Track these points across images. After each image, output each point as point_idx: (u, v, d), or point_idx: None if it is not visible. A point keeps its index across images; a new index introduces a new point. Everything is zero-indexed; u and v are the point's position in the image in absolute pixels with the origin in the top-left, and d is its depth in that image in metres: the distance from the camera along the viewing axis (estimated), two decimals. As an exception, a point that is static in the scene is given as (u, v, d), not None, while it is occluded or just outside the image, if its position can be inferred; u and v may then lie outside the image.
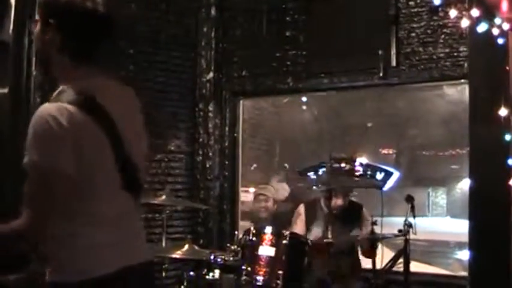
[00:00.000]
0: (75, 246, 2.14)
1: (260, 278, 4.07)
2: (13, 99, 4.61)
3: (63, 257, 2.16)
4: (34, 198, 2.11)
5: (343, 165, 4.53)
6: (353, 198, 5.33)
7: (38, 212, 2.10)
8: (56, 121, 2.05)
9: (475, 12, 4.34)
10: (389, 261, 4.49)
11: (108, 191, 2.20)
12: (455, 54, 5.05)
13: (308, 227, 5.08)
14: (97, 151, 2.15)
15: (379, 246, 4.58)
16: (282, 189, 5.82)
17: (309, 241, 4.37)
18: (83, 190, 2.14)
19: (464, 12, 4.66)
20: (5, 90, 4.62)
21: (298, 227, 5.10)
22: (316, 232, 4.89)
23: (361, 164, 4.66)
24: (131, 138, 2.25)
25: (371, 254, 4.46)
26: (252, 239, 4.24)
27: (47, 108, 2.10)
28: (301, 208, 5.25)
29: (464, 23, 4.55)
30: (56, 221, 2.13)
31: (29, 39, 4.64)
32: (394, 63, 5.27)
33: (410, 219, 4.32)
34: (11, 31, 4.64)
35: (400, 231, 4.33)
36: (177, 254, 4.45)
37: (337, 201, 4.91)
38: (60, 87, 2.21)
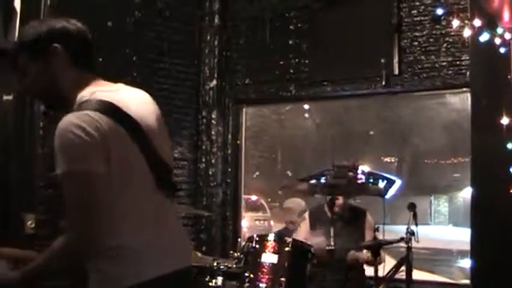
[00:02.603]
0: (121, 251, 2.14)
1: (263, 285, 4.06)
2: (18, 106, 4.64)
3: (108, 265, 2.15)
4: (77, 207, 2.08)
5: (345, 173, 4.54)
6: (356, 204, 5.35)
7: (85, 220, 2.06)
8: (80, 128, 2.06)
9: (477, 22, 4.37)
10: (392, 269, 4.50)
11: (144, 192, 2.21)
12: (457, 62, 5.07)
13: (312, 230, 5.09)
14: (125, 152, 2.16)
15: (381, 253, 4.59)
16: (298, 205, 5.76)
17: (312, 249, 4.38)
18: (120, 191, 2.14)
19: (466, 22, 4.68)
20: (10, 97, 4.64)
21: (302, 230, 5.12)
22: (318, 239, 4.89)
23: (363, 172, 4.67)
24: (157, 139, 2.28)
25: (373, 262, 4.47)
26: (254, 246, 4.24)
27: (68, 118, 2.12)
28: (307, 214, 5.28)
29: (467, 32, 4.57)
30: (102, 229, 2.11)
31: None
32: (396, 71, 5.29)
33: (413, 227, 4.33)
34: (16, 39, 4.67)
35: (402, 239, 4.34)
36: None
37: (339, 205, 4.94)
38: (78, 100, 2.23)
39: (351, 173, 4.60)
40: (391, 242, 4.48)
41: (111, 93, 2.23)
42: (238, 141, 6.27)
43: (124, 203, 2.14)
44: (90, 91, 2.23)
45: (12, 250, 2.42)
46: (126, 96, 2.27)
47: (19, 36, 2.35)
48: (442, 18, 5.11)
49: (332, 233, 4.44)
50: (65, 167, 2.05)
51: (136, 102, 2.30)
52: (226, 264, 4.36)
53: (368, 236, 4.90)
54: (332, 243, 4.41)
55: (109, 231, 2.10)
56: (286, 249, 4.18)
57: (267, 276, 4.09)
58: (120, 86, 2.35)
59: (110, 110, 2.16)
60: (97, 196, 2.06)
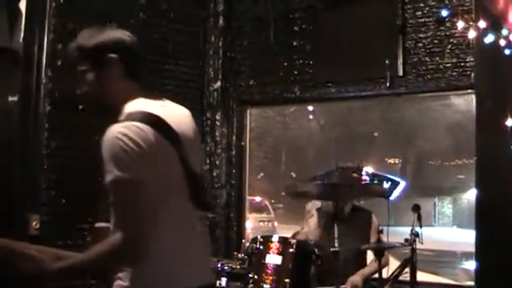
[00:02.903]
0: (158, 257, 2.20)
1: (267, 286, 4.06)
2: (22, 106, 4.65)
3: (144, 267, 2.19)
4: (126, 213, 2.13)
5: (349, 174, 4.54)
6: (361, 205, 5.34)
7: (133, 225, 2.11)
8: (129, 138, 2.14)
9: (482, 24, 4.36)
10: (396, 271, 4.50)
11: (181, 203, 2.32)
12: (462, 64, 5.06)
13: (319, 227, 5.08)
14: (168, 163, 2.26)
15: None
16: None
17: (316, 250, 4.37)
18: (164, 200, 2.22)
19: (471, 23, 4.68)
20: (15, 98, 4.66)
21: (310, 227, 5.08)
22: (316, 232, 4.87)
23: (367, 173, 4.67)
24: (194, 155, 2.38)
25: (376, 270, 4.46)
26: (259, 247, 4.24)
27: (117, 128, 2.19)
28: (314, 210, 5.24)
29: (471, 34, 4.57)
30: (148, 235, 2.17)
31: (38, 47, 4.69)
32: (401, 72, 5.28)
33: (417, 229, 4.32)
34: (21, 39, 4.68)
35: (406, 240, 4.33)
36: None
37: (345, 208, 4.94)
38: (126, 111, 2.32)
39: (355, 174, 4.60)
40: (395, 246, 4.48)
41: (157, 107, 2.33)
42: (243, 143, 6.27)
43: (166, 212, 2.23)
44: (138, 103, 2.34)
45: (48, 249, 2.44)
46: (169, 111, 2.37)
47: (79, 42, 2.41)
48: (447, 19, 5.10)
49: (336, 234, 4.43)
50: (114, 175, 2.12)
51: (179, 117, 2.42)
52: (230, 265, 4.36)
53: (373, 238, 4.90)
54: (336, 244, 4.41)
55: (153, 238, 2.16)
56: (291, 250, 4.18)
57: (271, 278, 4.09)
58: (165, 101, 2.46)
59: (156, 122, 2.25)
60: (144, 203, 2.13)
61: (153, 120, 2.24)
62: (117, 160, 2.12)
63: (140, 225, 2.11)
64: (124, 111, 2.32)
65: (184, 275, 2.27)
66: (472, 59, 4.94)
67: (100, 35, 2.39)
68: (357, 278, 4.75)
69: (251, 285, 4.09)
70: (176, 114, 2.41)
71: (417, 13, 5.29)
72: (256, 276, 4.12)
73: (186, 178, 2.31)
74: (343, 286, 4.59)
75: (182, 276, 2.26)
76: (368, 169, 4.83)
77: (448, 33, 5.14)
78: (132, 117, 2.23)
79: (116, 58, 2.37)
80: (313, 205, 5.48)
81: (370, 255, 4.85)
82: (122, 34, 2.44)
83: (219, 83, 6.12)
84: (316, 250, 4.31)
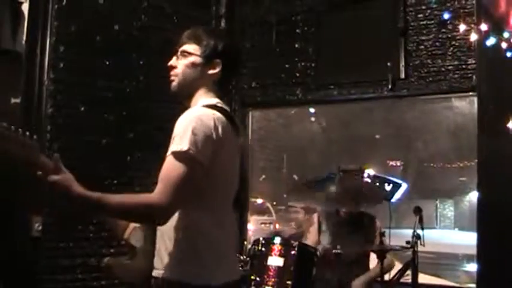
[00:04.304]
0: (201, 245, 2.35)
1: (269, 288, 4.08)
2: (25, 109, 4.66)
3: (188, 255, 2.34)
4: (171, 181, 2.24)
5: (351, 176, 4.55)
6: (363, 209, 5.34)
7: (176, 192, 2.22)
8: (203, 122, 2.31)
9: (484, 27, 4.37)
10: (397, 273, 4.50)
11: (226, 201, 2.45)
12: (463, 66, 5.07)
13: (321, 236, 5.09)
14: (230, 160, 2.43)
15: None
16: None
17: (318, 252, 4.38)
18: (211, 192, 2.36)
19: (472, 26, 4.69)
20: (18, 100, 4.67)
21: (312, 236, 5.11)
22: (324, 242, 4.89)
23: (369, 176, 4.67)
24: (247, 162, 2.51)
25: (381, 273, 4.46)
26: (261, 250, 4.25)
27: (197, 111, 2.38)
28: (315, 217, 5.26)
29: (473, 36, 4.58)
30: (193, 214, 2.34)
31: (41, 50, 4.70)
32: (402, 75, 5.29)
33: (419, 231, 4.32)
34: (24, 41, 4.70)
35: (408, 242, 4.33)
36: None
37: (347, 212, 4.94)
38: (202, 102, 2.48)
39: (356, 177, 4.60)
40: (397, 248, 4.48)
41: (229, 112, 2.49)
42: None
43: (211, 202, 2.36)
44: (216, 101, 2.50)
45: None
46: (235, 118, 2.53)
47: (198, 32, 2.59)
48: (449, 22, 5.11)
49: (339, 237, 4.44)
50: (178, 147, 2.26)
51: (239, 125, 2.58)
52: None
53: (375, 241, 4.90)
54: (339, 246, 4.41)
55: (190, 221, 2.34)
56: (292, 252, 4.19)
57: (273, 279, 4.10)
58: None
59: (232, 120, 2.45)
60: (189, 181, 2.25)
61: (229, 116, 2.43)
62: (186, 136, 2.26)
63: (175, 198, 2.22)
64: (198, 102, 2.49)
65: (225, 270, 2.41)
66: (473, 62, 4.94)
67: (220, 39, 2.57)
68: (360, 281, 4.76)
69: (253, 287, 4.10)
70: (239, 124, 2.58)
71: (419, 15, 5.30)
72: (258, 278, 4.13)
73: (240, 177, 2.46)
74: None
75: (222, 271, 2.39)
76: (370, 171, 4.83)
77: (449, 36, 5.14)
78: (211, 106, 2.41)
79: (219, 64, 2.53)
80: (316, 216, 5.48)
81: (372, 260, 4.85)
82: (232, 42, 2.67)
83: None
84: (318, 253, 4.32)
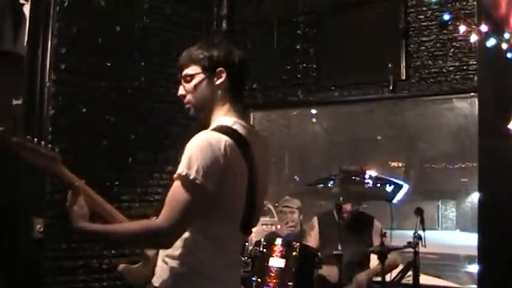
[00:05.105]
0: (192, 273, 2.36)
1: (270, 290, 4.08)
2: (27, 110, 4.66)
3: (184, 273, 2.36)
4: (176, 207, 2.25)
5: (353, 177, 4.55)
6: (363, 210, 5.35)
7: (181, 217, 2.24)
8: (212, 147, 2.30)
9: (484, 28, 4.37)
10: (399, 274, 4.51)
11: (231, 226, 2.43)
12: (464, 67, 5.07)
13: (322, 239, 5.09)
14: (238, 186, 2.39)
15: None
16: (296, 205, 5.68)
17: (319, 253, 4.39)
18: (216, 218, 2.36)
19: (473, 27, 4.69)
20: (19, 102, 4.68)
21: (312, 239, 5.12)
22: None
23: (370, 177, 4.68)
24: (260, 183, 2.50)
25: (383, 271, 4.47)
26: (262, 251, 4.26)
27: (207, 134, 2.36)
28: (315, 221, 5.28)
29: (473, 38, 4.58)
30: (192, 239, 2.34)
31: (42, 51, 4.71)
32: (403, 76, 5.29)
33: (420, 232, 4.33)
34: (25, 43, 4.71)
35: (409, 243, 4.34)
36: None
37: (347, 212, 4.96)
38: (218, 121, 2.48)
39: (358, 178, 4.61)
40: (398, 248, 4.48)
41: (245, 130, 2.48)
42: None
43: (218, 228, 2.37)
44: (232, 120, 2.48)
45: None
46: (253, 135, 2.52)
47: (193, 50, 2.61)
48: (449, 23, 5.11)
49: (339, 239, 4.44)
50: (184, 171, 2.26)
51: (259, 143, 2.54)
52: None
53: (376, 242, 4.91)
54: (339, 247, 4.42)
55: (189, 245, 2.34)
56: (294, 253, 4.19)
57: (274, 281, 4.11)
58: (250, 125, 2.63)
59: (242, 143, 2.40)
60: (194, 207, 2.26)
61: (241, 142, 2.40)
62: (193, 161, 2.26)
63: (180, 223, 2.24)
64: (215, 121, 2.49)
65: None
66: (474, 63, 4.94)
67: (217, 48, 2.56)
68: (362, 276, 4.78)
69: (254, 288, 4.11)
70: (257, 140, 2.53)
71: (420, 16, 5.30)
72: (259, 279, 4.14)
73: (246, 201, 2.42)
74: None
75: None
76: (371, 172, 4.83)
77: (450, 37, 5.14)
78: (221, 129, 2.39)
79: (224, 72, 2.52)
80: (316, 219, 5.46)
81: (373, 261, 4.86)
82: (235, 50, 2.59)
83: (222, 87, 6.11)
84: (319, 254, 4.33)
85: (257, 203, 2.49)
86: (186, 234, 2.32)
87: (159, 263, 2.43)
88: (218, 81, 2.52)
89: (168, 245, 2.31)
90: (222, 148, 2.30)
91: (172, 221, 2.23)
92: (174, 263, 2.36)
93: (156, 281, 2.41)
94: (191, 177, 2.24)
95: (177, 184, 2.28)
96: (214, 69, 2.52)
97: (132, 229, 2.35)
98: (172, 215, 2.24)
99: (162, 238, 2.26)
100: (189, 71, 2.57)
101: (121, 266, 2.71)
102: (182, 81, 2.60)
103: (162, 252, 2.43)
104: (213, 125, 2.47)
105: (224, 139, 2.33)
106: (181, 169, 2.27)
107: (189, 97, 2.57)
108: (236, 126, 2.44)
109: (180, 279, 2.36)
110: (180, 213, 2.23)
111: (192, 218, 2.28)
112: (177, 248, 2.34)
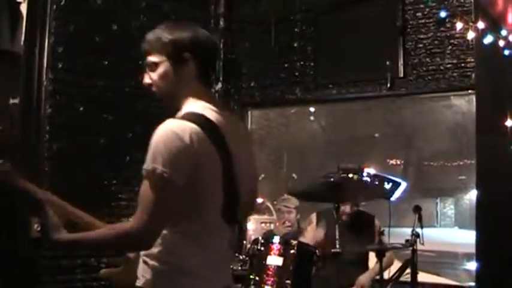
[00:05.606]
0: (173, 269, 2.27)
1: (268, 288, 4.08)
2: (24, 109, 4.66)
3: (166, 271, 2.28)
4: (146, 204, 2.17)
5: (350, 175, 4.54)
6: (363, 209, 5.34)
7: (152, 217, 2.15)
8: (178, 136, 2.17)
9: (481, 25, 4.38)
10: (397, 272, 4.50)
11: (211, 216, 2.30)
12: (462, 65, 5.07)
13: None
14: (211, 171, 2.25)
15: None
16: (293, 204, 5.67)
17: (317, 250, 4.38)
18: (191, 208, 2.25)
19: (470, 24, 4.69)
20: (16, 100, 4.67)
21: (309, 235, 5.11)
22: (319, 233, 4.87)
23: (368, 175, 4.67)
24: (242, 170, 2.37)
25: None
26: (260, 249, 4.25)
27: (170, 124, 2.22)
28: (314, 217, 5.27)
29: (471, 35, 4.58)
30: (169, 238, 2.25)
31: (39, 50, 4.70)
32: (401, 74, 5.30)
33: (418, 230, 4.32)
34: (22, 42, 4.70)
35: (407, 241, 4.33)
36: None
37: (346, 210, 4.95)
38: (186, 109, 2.36)
39: (356, 176, 4.60)
40: (396, 247, 4.48)
41: (215, 114, 2.34)
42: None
43: (198, 220, 2.26)
44: (201, 106, 2.35)
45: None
46: (227, 121, 2.37)
47: (158, 34, 2.42)
48: (447, 20, 5.11)
49: (338, 237, 4.43)
50: (150, 166, 2.16)
51: (235, 130, 2.42)
52: (231, 266, 4.37)
53: (375, 241, 4.90)
54: (338, 245, 4.41)
55: (167, 243, 2.25)
56: (292, 251, 4.18)
57: (272, 279, 4.10)
58: (225, 111, 2.45)
59: (212, 130, 2.27)
60: (166, 202, 2.16)
61: (208, 126, 2.26)
62: (157, 154, 2.15)
63: (154, 221, 2.15)
64: (183, 109, 2.37)
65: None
66: (472, 60, 4.95)
67: (181, 31, 2.40)
68: (365, 278, 4.77)
69: (252, 287, 4.10)
70: (233, 126, 2.42)
71: (417, 14, 5.31)
72: (257, 278, 4.12)
73: (224, 191, 2.30)
74: None
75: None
76: (369, 170, 4.83)
77: (448, 34, 5.15)
78: (188, 117, 2.27)
79: (190, 57, 2.38)
80: (315, 215, 5.46)
81: (372, 259, 4.86)
82: (199, 33, 2.43)
83: (220, 85, 6.12)
84: (317, 251, 4.32)
85: (240, 191, 2.37)
86: (164, 232, 2.22)
87: (140, 264, 2.35)
88: (185, 68, 2.38)
89: (145, 246, 2.23)
90: (187, 137, 2.16)
91: (141, 222, 2.14)
92: (154, 262, 2.27)
93: (138, 281, 2.33)
94: (158, 171, 2.13)
95: (144, 182, 2.18)
96: (180, 55, 2.37)
97: (102, 235, 2.27)
98: (141, 217, 2.15)
99: (136, 241, 2.19)
100: (153, 58, 2.40)
101: (102, 271, 2.68)
102: (147, 68, 2.44)
103: (142, 253, 2.34)
104: (182, 111, 2.35)
105: (189, 126, 2.20)
106: (147, 164, 2.17)
107: (155, 87, 2.44)
108: (206, 112, 2.31)
109: (162, 277, 2.27)
110: (149, 214, 2.13)
111: (166, 215, 2.19)
112: (155, 247, 2.25)
